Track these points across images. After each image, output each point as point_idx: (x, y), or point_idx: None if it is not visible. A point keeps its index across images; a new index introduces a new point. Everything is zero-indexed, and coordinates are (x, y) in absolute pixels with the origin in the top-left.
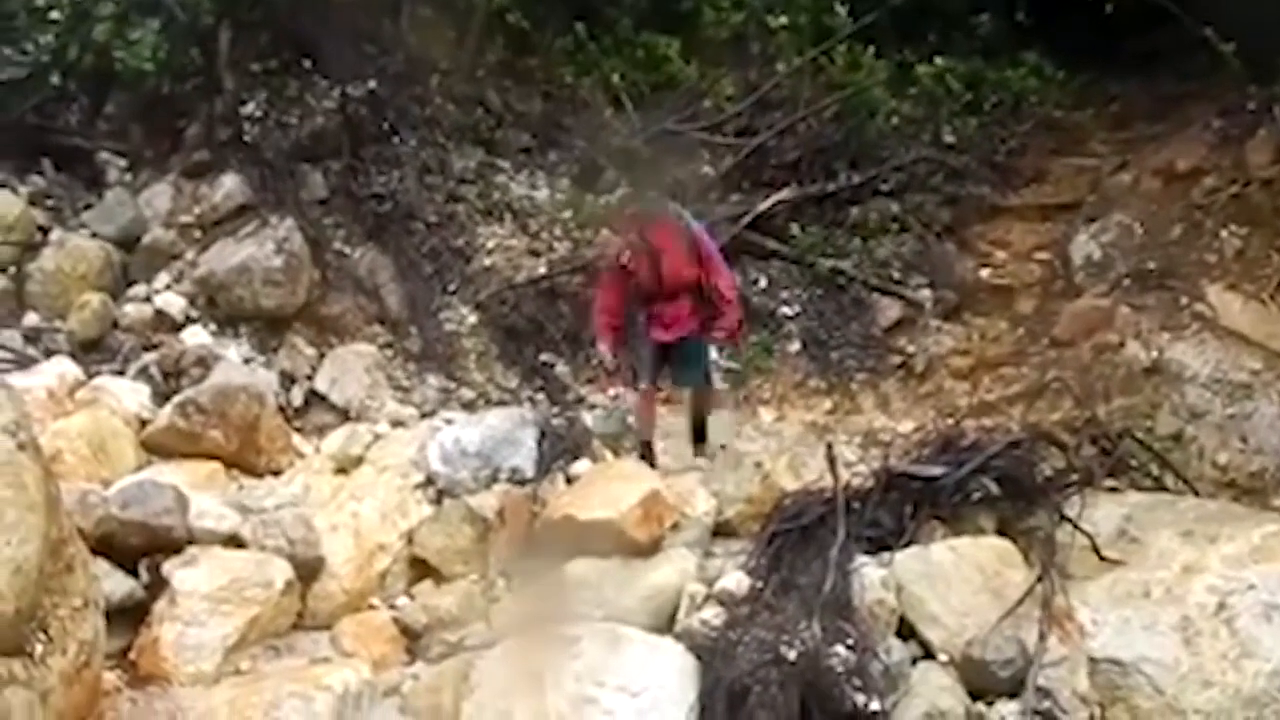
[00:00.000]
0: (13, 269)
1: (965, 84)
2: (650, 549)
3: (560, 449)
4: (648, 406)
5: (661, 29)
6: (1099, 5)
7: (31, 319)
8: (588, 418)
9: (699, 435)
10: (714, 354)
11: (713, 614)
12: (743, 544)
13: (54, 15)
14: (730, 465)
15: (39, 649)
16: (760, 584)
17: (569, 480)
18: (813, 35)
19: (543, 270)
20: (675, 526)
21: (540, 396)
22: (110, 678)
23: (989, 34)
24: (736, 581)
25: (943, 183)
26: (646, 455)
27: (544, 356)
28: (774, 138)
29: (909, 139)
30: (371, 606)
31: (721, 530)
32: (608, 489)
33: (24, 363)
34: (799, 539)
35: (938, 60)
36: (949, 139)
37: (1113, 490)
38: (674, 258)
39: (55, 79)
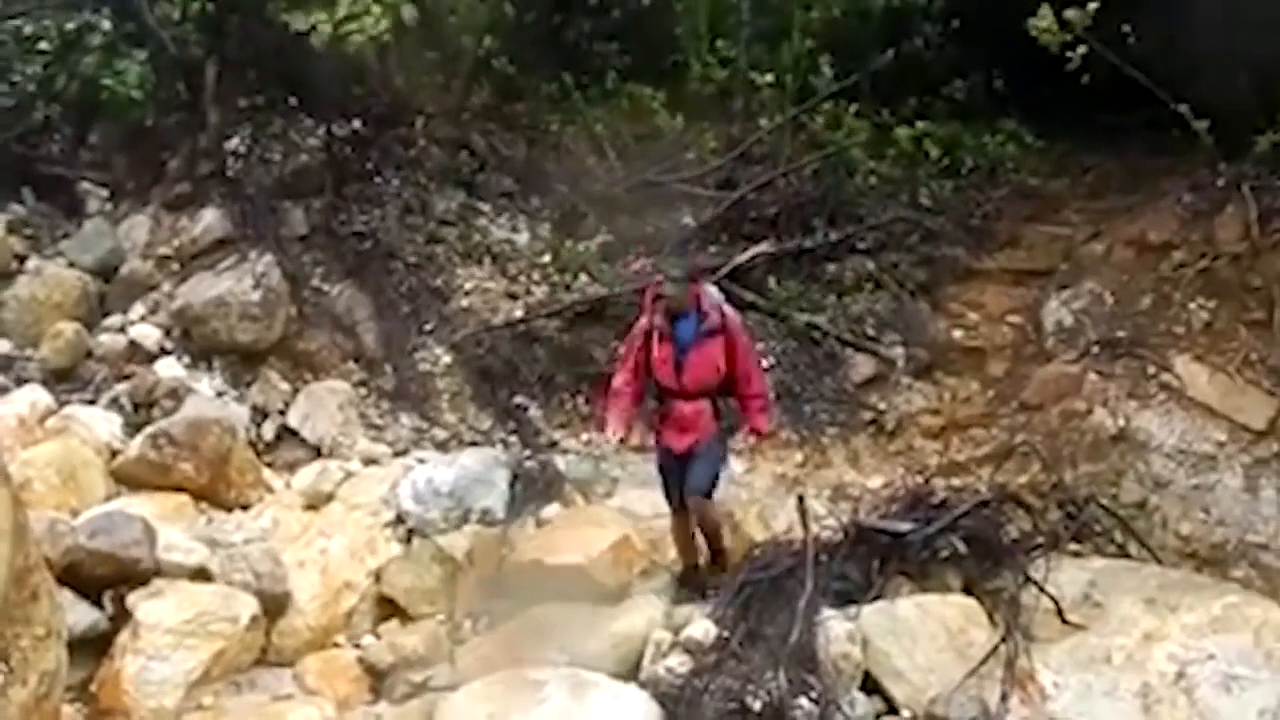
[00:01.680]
0: None
1: (943, 148)
2: (618, 595)
3: (532, 492)
4: (682, 531)
5: (647, 81)
6: (1075, 77)
7: (3, 346)
8: (560, 462)
9: (714, 557)
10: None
11: (678, 661)
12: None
13: (43, 45)
14: None
15: (0, 679)
16: (727, 633)
17: (539, 523)
18: (796, 94)
19: (520, 313)
20: (644, 573)
21: (513, 439)
22: (70, 711)
23: (968, 100)
24: (704, 630)
25: (918, 243)
26: (688, 581)
27: (518, 399)
28: (754, 192)
29: (886, 199)
30: (336, 644)
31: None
32: (578, 534)
33: None
34: (767, 589)
35: (917, 124)
36: (926, 201)
37: (1077, 555)
38: (699, 349)
39: (41, 109)
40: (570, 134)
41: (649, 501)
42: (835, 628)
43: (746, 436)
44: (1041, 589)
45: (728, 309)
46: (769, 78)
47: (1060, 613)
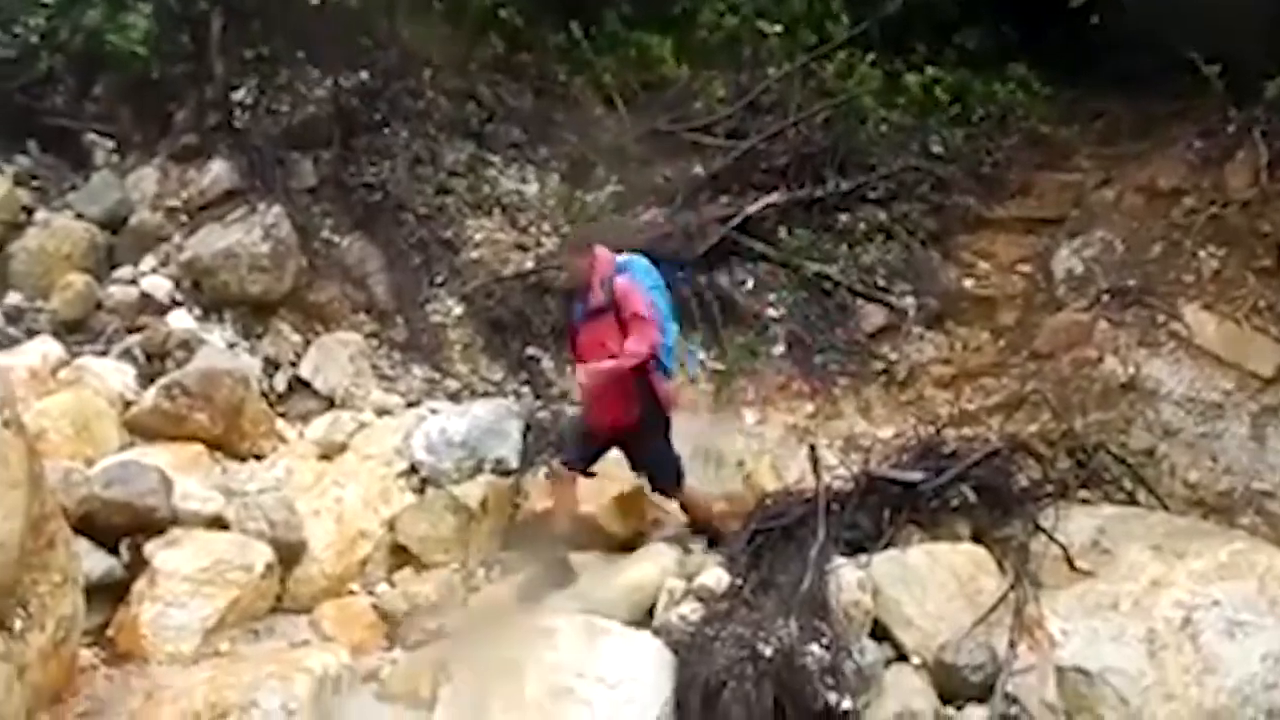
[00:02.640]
0: None
1: (953, 95)
2: (630, 544)
3: (544, 442)
4: (563, 496)
5: (655, 29)
6: (1084, 22)
7: (13, 298)
8: (572, 412)
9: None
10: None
11: (691, 610)
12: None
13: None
14: (712, 463)
15: (18, 624)
16: (739, 581)
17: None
18: (805, 41)
19: (530, 265)
20: (656, 522)
21: (525, 390)
22: (87, 654)
23: (977, 47)
24: (716, 578)
25: (929, 192)
26: (546, 579)
27: (529, 350)
28: (764, 141)
29: (897, 147)
30: (351, 592)
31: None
32: (590, 483)
33: (4, 342)
34: (779, 538)
35: (928, 71)
36: (936, 149)
37: (1086, 502)
38: (589, 327)
39: (44, 60)
40: (578, 84)
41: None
42: (846, 576)
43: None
44: (1051, 536)
45: (622, 282)
46: (778, 26)
47: (1069, 560)
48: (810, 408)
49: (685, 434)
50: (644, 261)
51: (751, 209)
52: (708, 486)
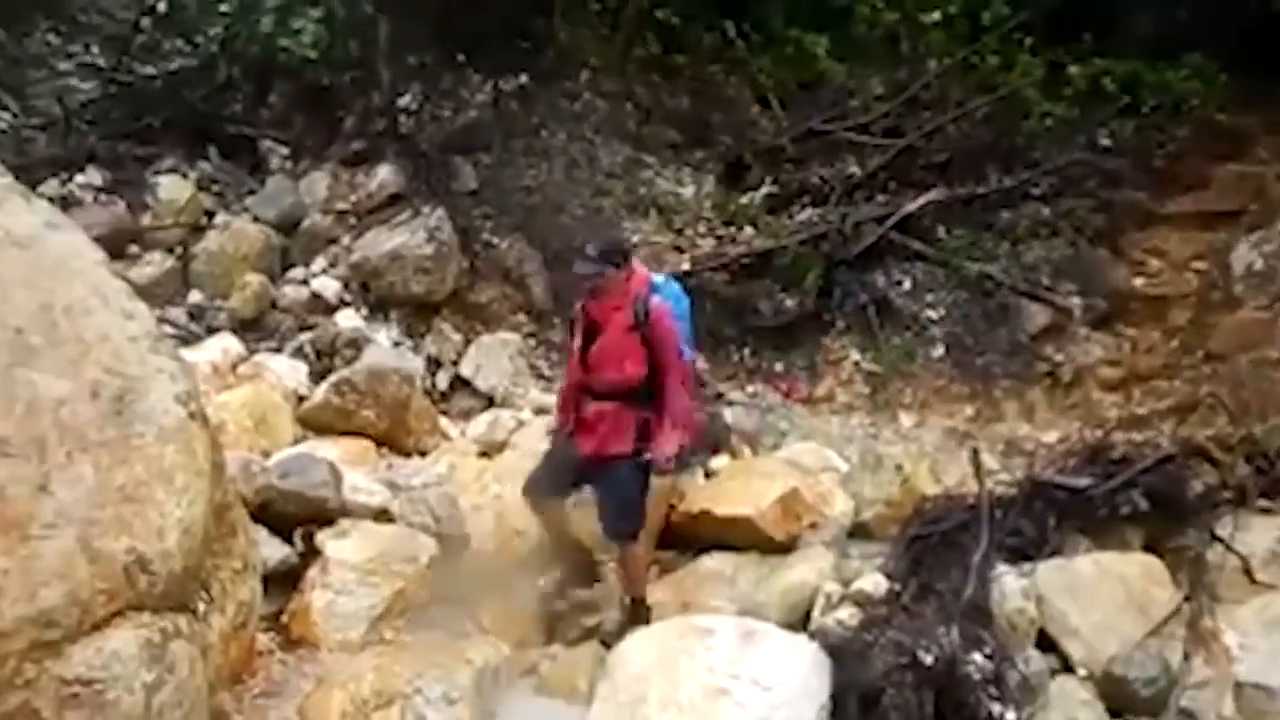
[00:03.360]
0: (180, 249)
1: (1122, 85)
2: (787, 546)
3: (700, 443)
4: (556, 525)
5: (811, 26)
6: (1264, 5)
7: (195, 297)
8: (727, 413)
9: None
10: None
11: (848, 614)
12: (880, 546)
13: (224, 7)
14: (870, 467)
15: (201, 607)
16: (898, 587)
17: (708, 474)
18: (965, 33)
19: (686, 266)
20: (813, 525)
21: None
22: (264, 639)
23: (1148, 34)
24: (874, 583)
25: (1097, 187)
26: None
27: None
28: (923, 138)
29: (1062, 141)
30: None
31: (858, 532)
32: (747, 485)
33: (188, 339)
34: (939, 544)
35: (1094, 61)
36: (1104, 142)
37: (1267, 511)
38: (613, 340)
39: (223, 70)
40: (734, 84)
41: (816, 454)
42: (1009, 584)
43: (653, 460)
44: (1228, 546)
45: (659, 306)
46: (936, 16)
47: (1248, 571)
48: (970, 410)
49: (838, 436)
50: (676, 288)
51: (910, 207)
52: (864, 490)
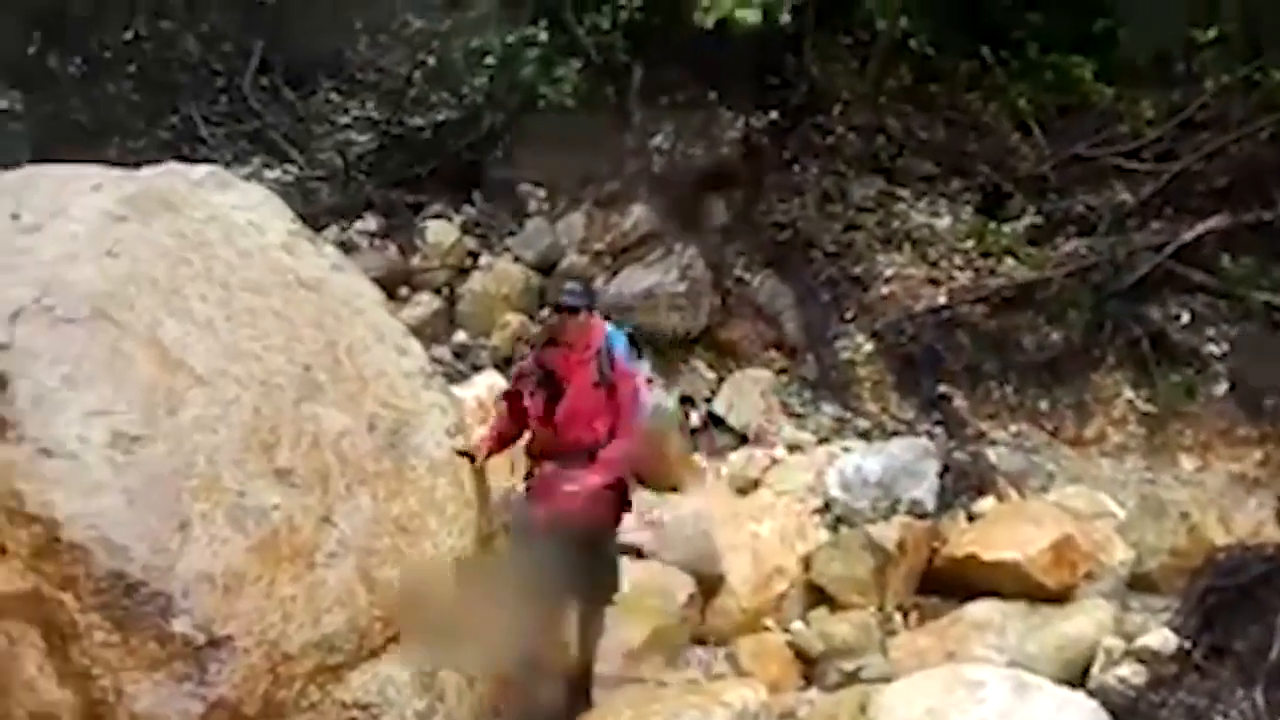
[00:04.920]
0: (446, 290)
1: None
2: (1060, 596)
3: (963, 485)
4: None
5: (1073, 50)
6: None
7: (460, 336)
8: (991, 454)
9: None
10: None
11: (1132, 671)
12: (1165, 600)
13: (488, 60)
14: (1151, 514)
15: None
16: (1189, 644)
17: (971, 518)
18: (1244, 50)
19: (942, 300)
20: (1089, 575)
21: (937, 429)
22: None
23: None
24: (1161, 639)
25: None
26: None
27: (942, 388)
28: (1201, 161)
29: None
30: (767, 628)
31: (1139, 583)
32: (1015, 530)
33: (453, 376)
34: (1236, 598)
35: None
36: None
37: None
38: (578, 396)
39: (487, 118)
40: (991, 111)
41: (1088, 498)
42: None
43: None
44: None
45: (622, 360)
46: (1213, 34)
47: None
48: (1259, 455)
49: (1110, 480)
50: (623, 335)
51: (1188, 235)
52: (1146, 538)
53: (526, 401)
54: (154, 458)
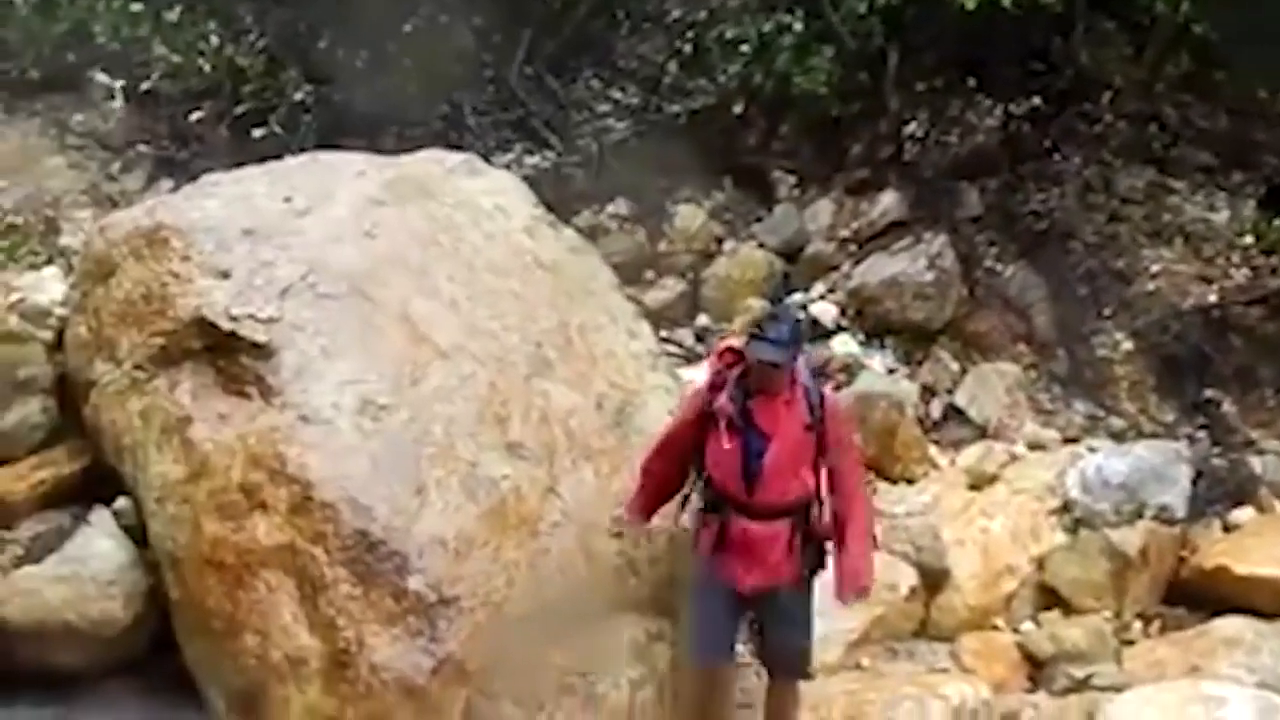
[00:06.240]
0: (690, 275)
1: None
2: None
3: (1219, 493)
4: (709, 697)
5: None
6: None
7: (702, 320)
8: (1256, 463)
9: None
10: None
11: None
12: None
13: (744, 48)
14: None
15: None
16: None
17: (1226, 528)
18: None
19: (1214, 298)
20: None
21: (1200, 434)
22: None
23: None
24: None
25: None
26: None
27: (1208, 392)
28: None
29: None
30: (994, 627)
31: None
32: (1275, 543)
33: (691, 358)
34: None
35: None
36: None
37: None
38: (786, 448)
39: (739, 106)
40: None
41: None
42: None
43: (843, 594)
44: None
45: (829, 394)
46: None
47: None
48: None
49: None
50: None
51: None
52: None
53: (721, 443)
54: (397, 426)
